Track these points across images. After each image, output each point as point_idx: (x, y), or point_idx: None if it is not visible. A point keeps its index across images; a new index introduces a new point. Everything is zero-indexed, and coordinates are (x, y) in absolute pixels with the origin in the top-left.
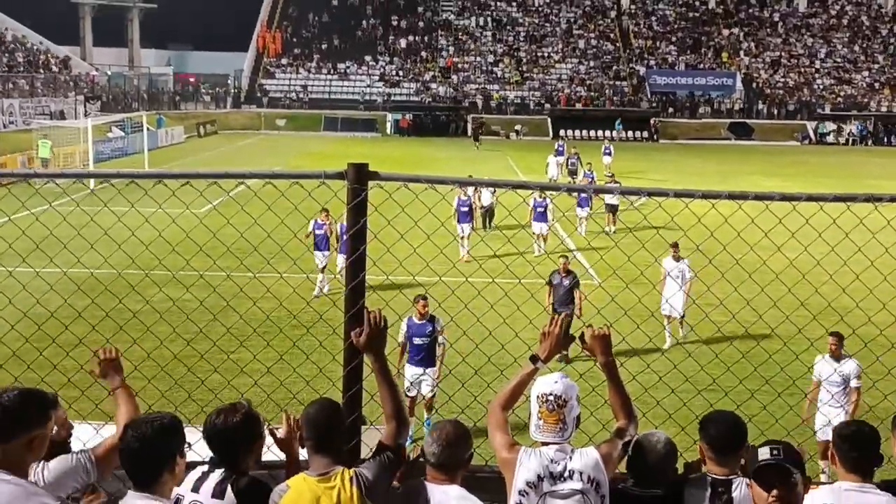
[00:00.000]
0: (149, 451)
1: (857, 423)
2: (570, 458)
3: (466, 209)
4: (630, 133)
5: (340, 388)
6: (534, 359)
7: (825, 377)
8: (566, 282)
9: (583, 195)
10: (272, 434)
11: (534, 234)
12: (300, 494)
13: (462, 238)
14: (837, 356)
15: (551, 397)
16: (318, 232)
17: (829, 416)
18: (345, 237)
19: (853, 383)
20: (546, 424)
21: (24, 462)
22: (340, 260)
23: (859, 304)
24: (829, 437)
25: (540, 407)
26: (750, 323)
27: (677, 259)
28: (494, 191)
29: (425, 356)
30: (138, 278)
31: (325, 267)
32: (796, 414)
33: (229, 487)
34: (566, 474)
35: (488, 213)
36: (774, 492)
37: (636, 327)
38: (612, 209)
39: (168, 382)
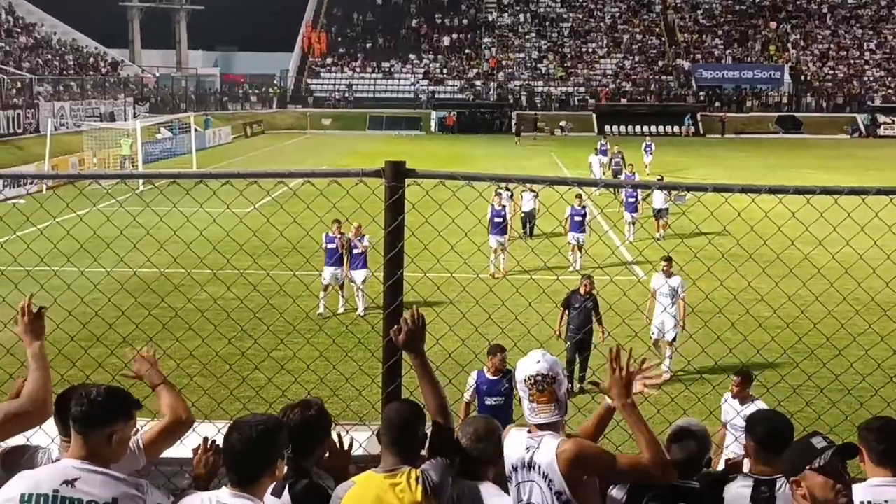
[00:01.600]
0: (252, 454)
1: (884, 418)
2: (538, 447)
3: (500, 220)
4: (675, 128)
5: (380, 385)
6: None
7: (729, 419)
8: (589, 304)
9: (629, 199)
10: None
11: (570, 244)
12: (364, 490)
13: (493, 251)
14: (741, 398)
15: (539, 377)
16: (329, 246)
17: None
18: (355, 251)
19: None
20: (540, 406)
21: (107, 457)
22: (356, 276)
23: None
24: None
25: (530, 390)
26: (792, 318)
27: (669, 275)
28: (536, 195)
29: (500, 418)
30: (180, 277)
31: (328, 286)
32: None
33: (287, 487)
34: (532, 465)
35: (529, 218)
36: (842, 482)
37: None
38: (660, 214)
39: (211, 380)
